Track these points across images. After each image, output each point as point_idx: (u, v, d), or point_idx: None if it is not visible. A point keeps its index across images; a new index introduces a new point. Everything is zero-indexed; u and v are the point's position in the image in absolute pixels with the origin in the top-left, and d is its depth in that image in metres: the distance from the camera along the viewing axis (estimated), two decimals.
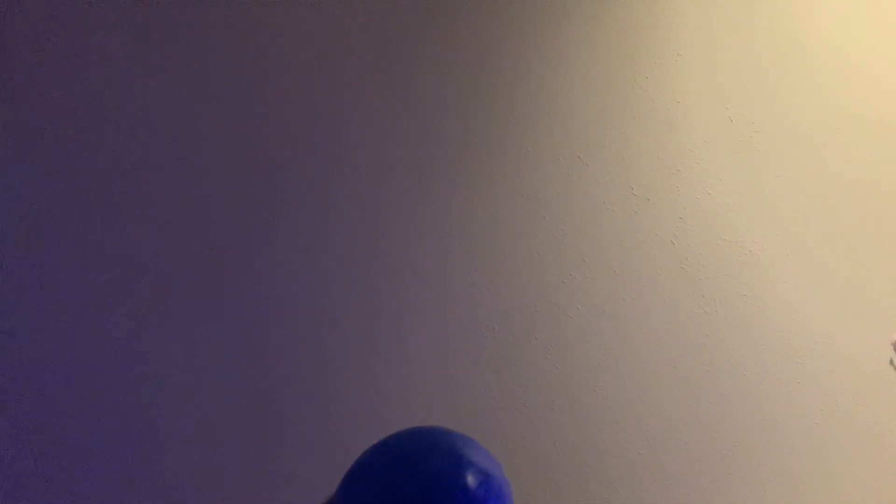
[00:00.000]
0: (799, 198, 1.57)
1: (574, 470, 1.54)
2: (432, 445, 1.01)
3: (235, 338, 1.48)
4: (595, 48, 1.56)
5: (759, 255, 1.57)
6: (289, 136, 1.50)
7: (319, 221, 1.50)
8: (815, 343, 1.57)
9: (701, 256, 1.56)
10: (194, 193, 1.48)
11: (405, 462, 0.97)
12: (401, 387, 1.51)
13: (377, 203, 1.52)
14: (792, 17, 1.57)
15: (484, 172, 1.54)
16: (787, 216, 1.57)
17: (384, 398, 1.50)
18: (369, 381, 1.51)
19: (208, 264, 1.47)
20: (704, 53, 1.56)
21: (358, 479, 0.99)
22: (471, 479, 0.93)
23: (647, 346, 1.56)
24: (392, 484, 0.93)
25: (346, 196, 1.51)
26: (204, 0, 1.47)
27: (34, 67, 1.43)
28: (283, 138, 1.50)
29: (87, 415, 1.43)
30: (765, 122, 1.57)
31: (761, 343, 1.57)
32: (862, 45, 1.58)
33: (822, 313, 1.57)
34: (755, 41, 1.57)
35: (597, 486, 1.55)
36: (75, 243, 1.44)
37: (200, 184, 1.48)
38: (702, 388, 1.57)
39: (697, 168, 1.56)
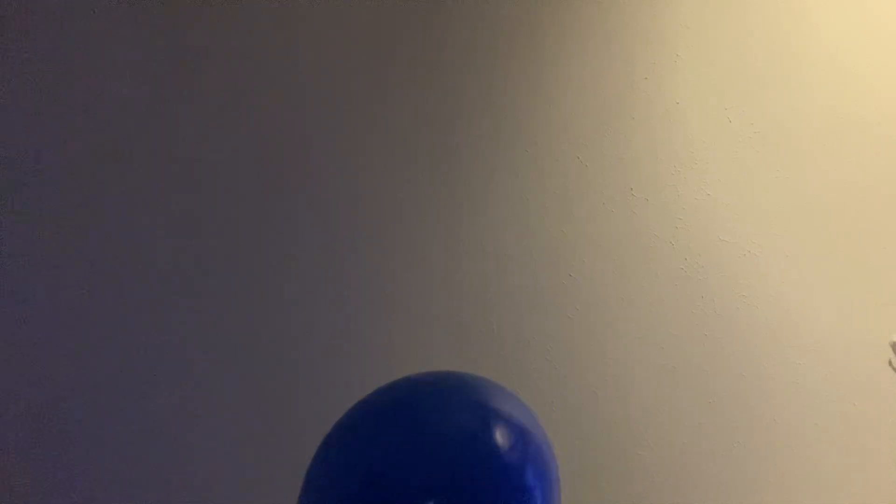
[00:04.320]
0: (798, 198, 1.58)
1: (572, 470, 1.55)
2: (450, 393, 0.73)
3: (233, 337, 1.48)
4: (594, 49, 1.56)
5: (758, 255, 1.57)
6: (289, 136, 1.50)
7: (318, 222, 1.51)
8: (814, 344, 1.58)
9: (700, 257, 1.57)
10: (193, 191, 1.48)
11: (413, 415, 0.69)
12: None
13: (376, 204, 1.52)
14: (790, 19, 1.58)
15: (483, 173, 1.54)
16: (785, 217, 1.58)
17: None
18: (368, 382, 1.51)
19: (206, 263, 1.48)
20: (703, 55, 1.57)
21: (345, 439, 0.70)
22: (502, 438, 0.69)
23: (646, 347, 1.56)
24: (392, 445, 0.65)
25: (345, 197, 1.51)
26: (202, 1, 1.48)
27: (34, 70, 1.44)
28: (283, 137, 1.50)
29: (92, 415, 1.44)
30: (764, 123, 1.57)
31: (760, 344, 1.57)
32: (860, 47, 1.58)
33: (821, 314, 1.58)
34: (754, 43, 1.57)
35: (595, 486, 1.55)
36: (76, 242, 1.44)
37: (200, 182, 1.48)
38: (700, 388, 1.57)
39: (696, 169, 1.57)
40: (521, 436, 0.70)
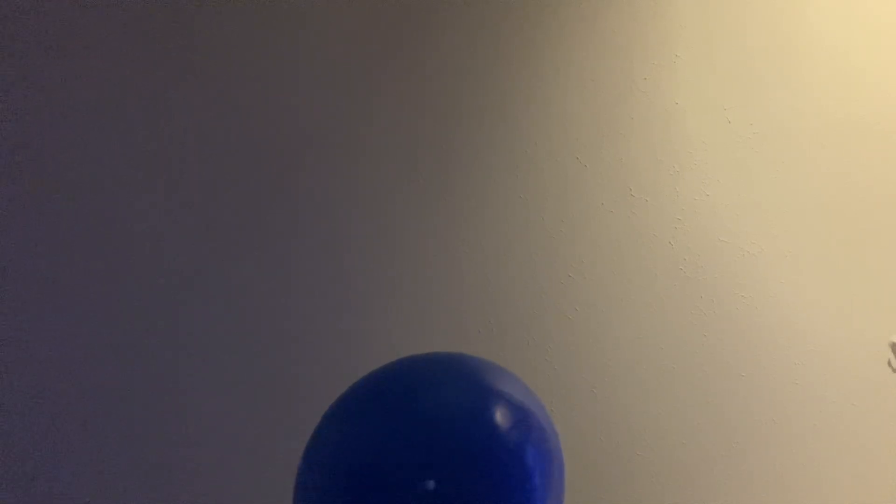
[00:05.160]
0: (796, 199, 1.57)
1: (571, 471, 1.55)
2: (446, 372, 0.69)
3: (232, 336, 1.49)
4: (593, 50, 1.56)
5: (757, 256, 1.57)
6: (289, 135, 1.51)
7: (318, 221, 1.51)
8: (813, 344, 1.57)
9: (699, 257, 1.57)
10: (193, 191, 1.49)
11: (406, 393, 0.65)
12: None
13: (376, 204, 1.53)
14: (789, 19, 1.57)
15: (482, 173, 1.55)
16: (784, 217, 1.57)
17: None
18: None
19: (205, 263, 1.48)
20: (703, 55, 1.57)
21: (337, 419, 0.68)
22: (502, 417, 0.64)
23: (645, 347, 1.56)
24: (385, 423, 0.62)
25: (345, 197, 1.52)
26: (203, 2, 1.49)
27: (38, 67, 1.45)
28: (283, 136, 1.51)
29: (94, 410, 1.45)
30: (763, 123, 1.57)
31: (759, 344, 1.57)
32: (859, 47, 1.58)
33: (820, 314, 1.57)
34: (753, 43, 1.57)
35: (594, 486, 1.56)
36: (76, 242, 1.45)
37: (199, 182, 1.49)
38: (699, 388, 1.57)
39: (696, 169, 1.57)
40: (522, 416, 0.66)
